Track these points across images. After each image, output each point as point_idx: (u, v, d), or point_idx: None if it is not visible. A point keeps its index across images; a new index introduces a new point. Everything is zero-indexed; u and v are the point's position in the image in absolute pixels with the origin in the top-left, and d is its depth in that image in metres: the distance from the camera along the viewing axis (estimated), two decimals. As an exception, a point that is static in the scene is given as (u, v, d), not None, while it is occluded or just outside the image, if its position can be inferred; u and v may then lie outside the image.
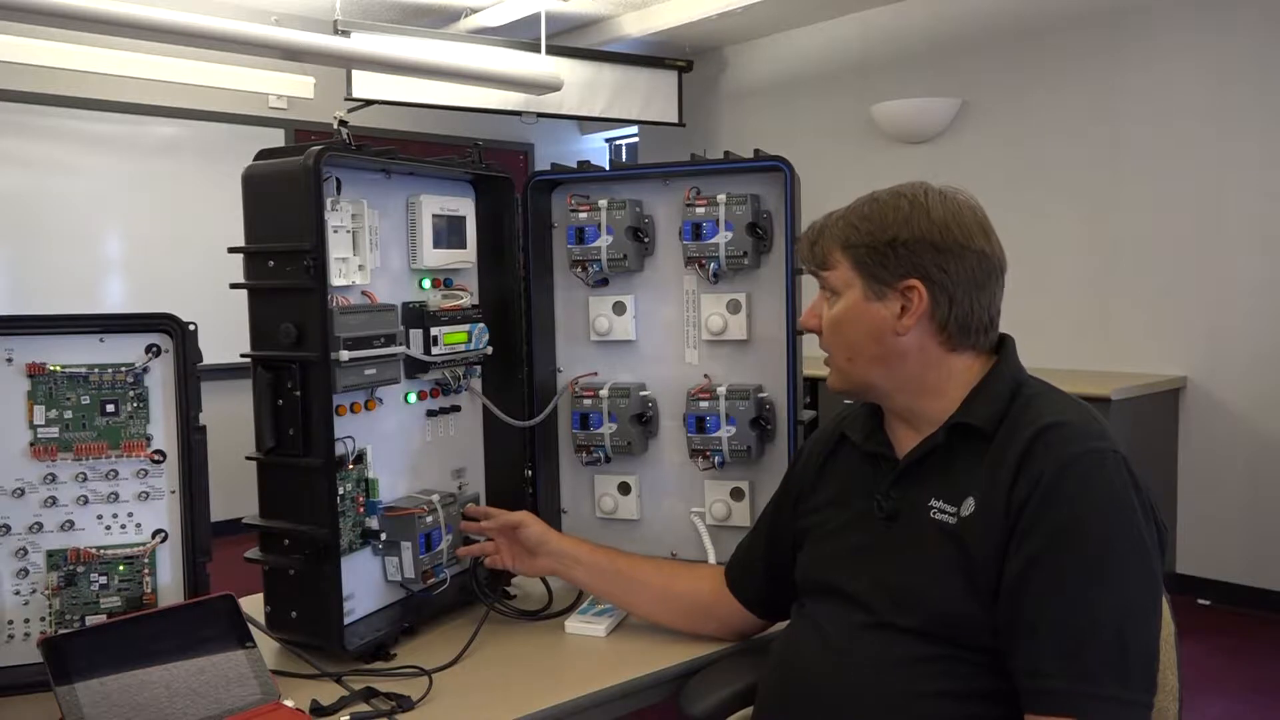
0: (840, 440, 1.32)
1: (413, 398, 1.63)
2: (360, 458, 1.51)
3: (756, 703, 1.29)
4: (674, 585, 1.51)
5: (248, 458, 1.44)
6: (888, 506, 1.18)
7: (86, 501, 1.40)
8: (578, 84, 5.22)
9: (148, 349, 1.43)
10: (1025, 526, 1.04)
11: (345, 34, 4.47)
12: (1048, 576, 1.02)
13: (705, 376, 1.74)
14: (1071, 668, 0.99)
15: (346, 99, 4.69)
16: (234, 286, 1.45)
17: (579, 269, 1.75)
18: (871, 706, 1.12)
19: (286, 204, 1.39)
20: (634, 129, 6.55)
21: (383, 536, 1.52)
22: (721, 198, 1.66)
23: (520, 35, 5.09)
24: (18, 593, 1.37)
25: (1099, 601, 1.01)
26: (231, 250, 1.45)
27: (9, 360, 1.36)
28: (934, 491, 1.14)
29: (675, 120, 5.69)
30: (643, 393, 1.76)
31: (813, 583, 1.27)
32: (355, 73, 4.66)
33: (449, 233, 1.66)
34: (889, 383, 1.20)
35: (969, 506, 1.10)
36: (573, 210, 1.74)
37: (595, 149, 7.15)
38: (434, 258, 1.63)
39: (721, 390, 1.68)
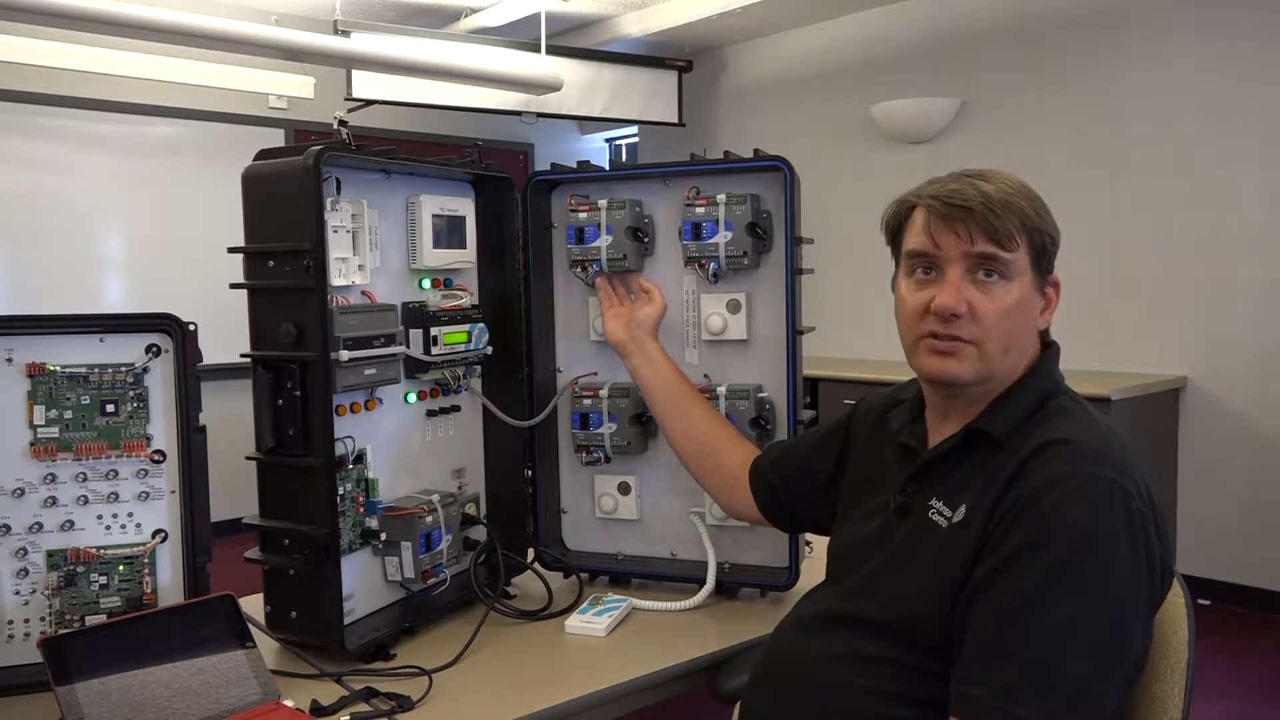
0: (884, 421, 1.31)
1: (413, 398, 1.63)
2: (360, 458, 1.51)
3: (750, 675, 1.31)
4: (712, 438, 1.59)
5: (248, 458, 1.44)
6: (900, 501, 1.19)
7: (86, 501, 1.40)
8: (578, 84, 5.22)
9: (148, 349, 1.43)
10: (998, 538, 1.03)
11: (345, 34, 4.47)
12: (999, 587, 1.00)
13: (705, 376, 1.74)
14: (995, 678, 0.97)
15: (346, 99, 4.69)
16: (234, 286, 1.45)
17: (579, 269, 1.75)
18: (818, 694, 1.14)
19: (286, 204, 1.39)
20: (634, 129, 6.55)
21: (383, 536, 1.52)
22: (721, 198, 1.66)
23: (520, 35, 5.09)
24: (18, 593, 1.37)
25: (1039, 619, 0.97)
26: (231, 250, 1.45)
27: (9, 360, 1.36)
28: (939, 492, 1.14)
29: (675, 120, 5.69)
30: (643, 393, 1.76)
31: (830, 562, 1.30)
32: (355, 73, 4.65)
33: (449, 233, 1.66)
34: (1003, 376, 1.14)
35: (961, 512, 1.09)
36: (572, 210, 1.74)
37: (595, 149, 7.15)
38: (434, 258, 1.63)
39: (721, 390, 1.68)
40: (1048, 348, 1.19)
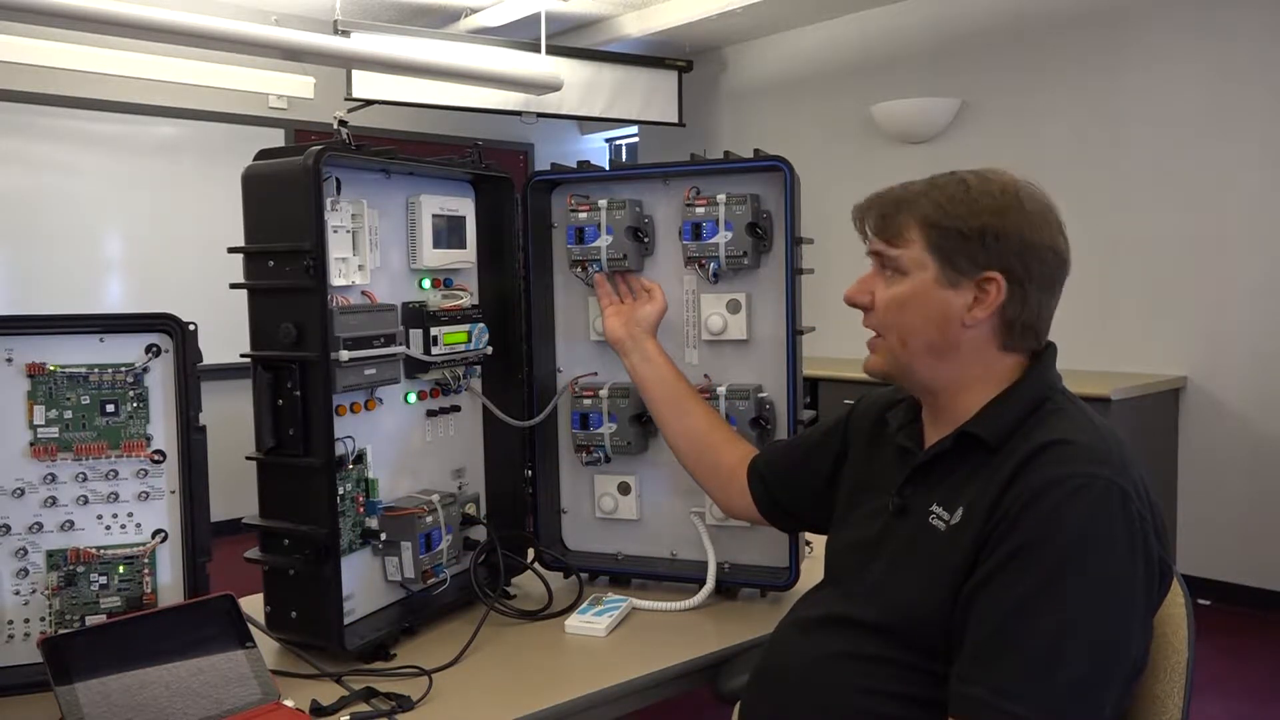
0: (883, 422, 1.32)
1: (413, 398, 1.63)
2: (360, 458, 1.51)
3: (750, 676, 1.31)
4: (710, 436, 1.59)
5: (248, 458, 1.44)
6: (897, 503, 1.19)
7: (86, 501, 1.40)
8: (578, 84, 5.22)
9: (148, 349, 1.43)
10: (996, 539, 1.03)
11: (345, 34, 4.47)
12: (998, 587, 1.01)
13: (705, 376, 1.74)
14: (992, 677, 0.98)
15: (346, 99, 4.69)
16: (234, 286, 1.45)
17: (579, 269, 1.75)
18: (817, 694, 1.15)
19: (286, 204, 1.39)
20: (634, 129, 6.55)
21: (383, 536, 1.52)
22: (721, 198, 1.66)
23: (520, 35, 5.09)
24: (18, 593, 1.37)
25: (1037, 619, 0.97)
26: (231, 250, 1.45)
27: (9, 360, 1.36)
28: (937, 495, 1.14)
29: (675, 120, 5.69)
30: (643, 393, 1.75)
31: (829, 563, 1.30)
32: (355, 73, 4.65)
33: (449, 233, 1.66)
34: (933, 373, 1.17)
35: (959, 514, 1.09)
36: (573, 210, 1.74)
37: (595, 149, 7.15)
38: (434, 258, 1.63)
39: (721, 390, 1.68)
40: (1045, 349, 1.18)
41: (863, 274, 1.23)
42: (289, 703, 1.25)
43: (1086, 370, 4.17)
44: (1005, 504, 1.03)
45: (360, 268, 1.48)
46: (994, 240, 1.11)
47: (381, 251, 1.56)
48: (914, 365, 1.18)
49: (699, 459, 1.60)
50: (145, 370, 1.43)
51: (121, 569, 1.41)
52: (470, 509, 1.70)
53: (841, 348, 5.03)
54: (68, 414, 1.39)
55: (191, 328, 1.45)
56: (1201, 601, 3.98)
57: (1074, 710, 0.96)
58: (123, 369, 1.42)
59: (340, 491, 1.44)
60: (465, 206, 1.71)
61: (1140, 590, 1.01)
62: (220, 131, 5.20)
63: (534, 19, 4.86)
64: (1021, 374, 1.16)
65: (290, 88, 4.92)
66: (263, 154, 1.46)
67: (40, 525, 1.38)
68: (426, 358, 1.59)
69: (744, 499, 1.53)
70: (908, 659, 1.09)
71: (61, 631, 1.35)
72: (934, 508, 1.13)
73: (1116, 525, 1.00)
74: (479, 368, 1.75)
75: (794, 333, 1.65)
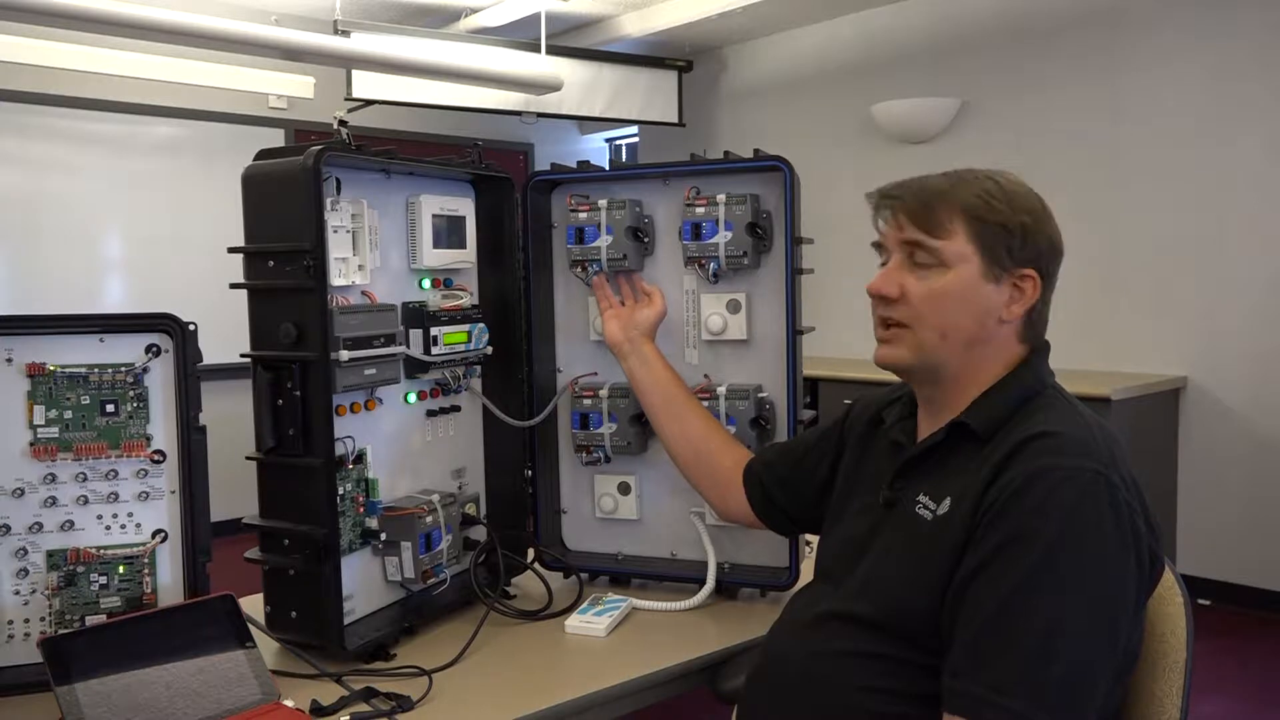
0: (878, 420, 1.32)
1: (413, 398, 1.63)
2: (360, 458, 1.51)
3: (747, 675, 1.31)
4: (707, 440, 1.60)
5: (248, 458, 1.44)
6: (887, 495, 1.19)
7: (86, 501, 1.40)
8: (578, 84, 5.22)
9: (148, 349, 1.43)
10: (982, 531, 1.03)
11: (345, 34, 4.47)
12: (987, 581, 1.01)
13: (705, 376, 1.74)
14: (986, 673, 0.98)
15: (346, 99, 4.69)
16: (234, 286, 1.45)
17: (579, 269, 1.75)
18: (814, 692, 1.15)
19: (286, 204, 1.39)
20: (634, 129, 6.55)
21: (383, 536, 1.52)
22: (721, 198, 1.66)
23: (520, 35, 5.09)
24: (18, 593, 1.37)
25: (1028, 612, 0.97)
26: (231, 250, 1.45)
27: (9, 360, 1.36)
28: (925, 487, 1.15)
29: (675, 120, 5.69)
30: (643, 393, 1.75)
31: (823, 560, 1.30)
32: (355, 73, 4.66)
33: (449, 233, 1.66)
34: (960, 368, 1.16)
35: (946, 505, 1.10)
36: (573, 210, 1.74)
37: (595, 149, 7.15)
38: (434, 258, 1.63)
39: (721, 390, 1.68)
40: (1037, 347, 1.19)
41: (878, 266, 1.21)
42: (289, 703, 1.26)
43: (1086, 370, 4.17)
44: (992, 495, 1.04)
45: (360, 268, 1.48)
46: (1030, 238, 1.14)
47: (381, 251, 1.56)
48: (948, 359, 1.16)
49: (695, 463, 1.60)
50: (145, 370, 1.43)
51: (121, 569, 1.41)
52: (470, 509, 1.70)
53: (841, 348, 5.04)
54: (68, 414, 1.39)
55: (191, 328, 1.45)
56: (1201, 601, 3.98)
57: (1068, 701, 0.97)
58: (123, 369, 1.42)
59: (340, 491, 1.45)
60: (465, 206, 1.71)
61: (1131, 579, 1.02)
62: (220, 131, 5.20)
63: (534, 19, 4.87)
64: (1013, 367, 1.17)
65: (290, 88, 4.92)
66: (263, 154, 1.46)
67: (40, 525, 1.38)
68: (426, 358, 1.59)
69: (740, 502, 1.53)
70: (903, 654, 1.09)
71: (61, 631, 1.36)
72: (920, 498, 1.14)
73: (1104, 515, 1.00)
74: (479, 368, 1.75)
75: (794, 333, 1.65)
